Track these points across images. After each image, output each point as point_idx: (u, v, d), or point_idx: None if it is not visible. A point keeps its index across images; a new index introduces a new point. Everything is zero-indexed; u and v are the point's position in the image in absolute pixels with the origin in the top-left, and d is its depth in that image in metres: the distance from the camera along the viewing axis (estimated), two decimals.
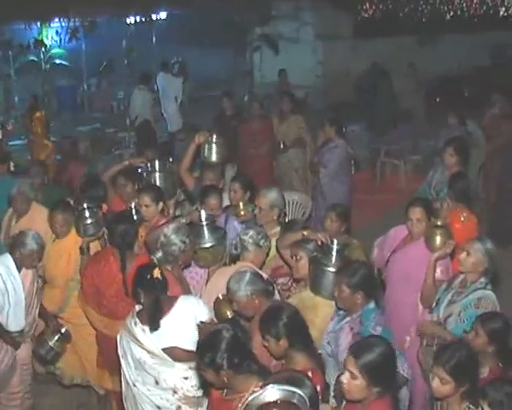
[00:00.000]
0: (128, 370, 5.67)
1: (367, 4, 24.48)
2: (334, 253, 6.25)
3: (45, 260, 7.52)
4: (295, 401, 3.68)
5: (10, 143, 17.74)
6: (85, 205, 7.51)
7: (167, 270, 6.27)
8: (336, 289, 5.76)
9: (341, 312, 5.90)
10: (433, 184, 9.26)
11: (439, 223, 6.75)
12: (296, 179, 12.40)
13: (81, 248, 7.31)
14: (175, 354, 5.55)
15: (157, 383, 5.55)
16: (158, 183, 8.39)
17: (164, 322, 5.57)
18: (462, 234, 7.49)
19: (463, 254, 6.33)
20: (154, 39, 21.78)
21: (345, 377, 4.34)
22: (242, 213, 7.83)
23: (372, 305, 5.72)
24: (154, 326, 5.53)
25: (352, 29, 23.45)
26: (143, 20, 20.60)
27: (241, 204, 7.89)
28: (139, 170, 8.76)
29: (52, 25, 19.67)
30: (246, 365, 4.42)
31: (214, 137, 8.54)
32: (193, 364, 5.27)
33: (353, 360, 4.33)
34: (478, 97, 17.91)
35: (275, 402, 3.65)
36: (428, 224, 6.85)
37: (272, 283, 5.89)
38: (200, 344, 4.63)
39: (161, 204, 7.73)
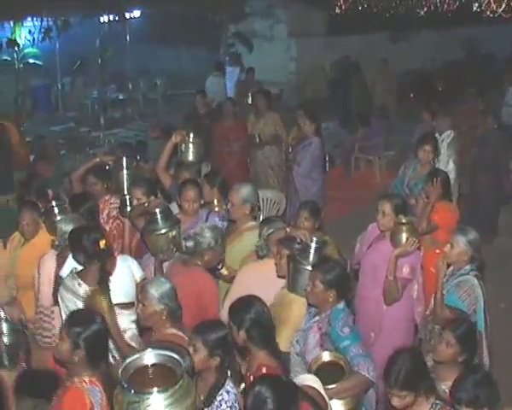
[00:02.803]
0: None
1: (340, 1, 24.53)
2: (312, 251, 6.23)
3: (17, 267, 7.54)
4: (170, 364, 3.79)
5: None
6: (54, 203, 7.59)
7: (197, 264, 6.60)
8: (309, 284, 5.78)
9: (312, 309, 5.92)
10: (406, 180, 9.33)
11: (403, 220, 6.80)
12: (272, 176, 12.41)
13: (53, 245, 7.24)
14: (120, 306, 6.25)
15: None
16: (125, 180, 8.47)
17: (110, 282, 6.22)
18: (446, 227, 7.68)
19: (448, 247, 6.54)
20: (127, 38, 21.71)
21: None
22: (217, 209, 7.92)
23: (341, 305, 5.73)
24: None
25: (325, 26, 23.44)
26: (117, 19, 20.51)
27: (215, 201, 7.99)
28: (107, 168, 8.81)
29: (25, 24, 19.54)
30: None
31: (191, 136, 8.57)
32: (134, 309, 6.15)
33: None
34: (451, 92, 18.03)
35: (150, 365, 3.80)
36: (395, 220, 6.91)
37: (182, 309, 5.82)
38: None
39: (153, 198, 7.83)
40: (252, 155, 12.49)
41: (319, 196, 10.70)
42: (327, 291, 5.66)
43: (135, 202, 7.83)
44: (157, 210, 7.09)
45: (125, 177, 8.54)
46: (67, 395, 4.70)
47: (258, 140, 12.25)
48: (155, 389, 3.55)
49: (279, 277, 6.56)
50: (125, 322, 6.29)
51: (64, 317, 6.06)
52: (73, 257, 6.50)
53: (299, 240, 6.42)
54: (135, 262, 6.68)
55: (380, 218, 7.07)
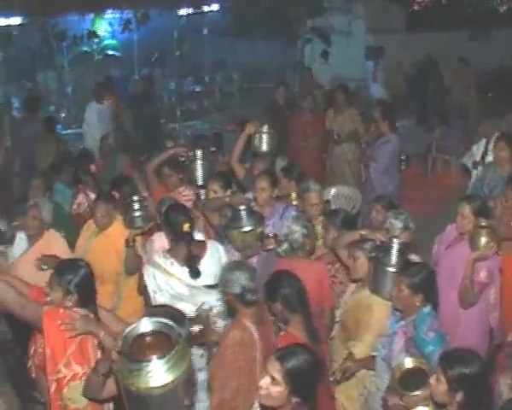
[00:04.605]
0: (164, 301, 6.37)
1: None
2: (394, 252, 6.18)
3: (89, 256, 7.39)
4: (167, 331, 3.91)
5: (64, 132, 18.00)
6: (135, 197, 7.57)
7: (302, 257, 6.78)
8: (395, 288, 5.72)
9: (398, 313, 5.86)
10: (486, 181, 9.19)
11: (483, 224, 6.68)
12: (348, 172, 12.32)
13: (127, 240, 7.32)
14: (208, 287, 6.53)
15: (196, 306, 6.39)
16: (199, 171, 8.55)
17: (201, 265, 6.51)
18: None
19: None
20: (205, 31, 21.82)
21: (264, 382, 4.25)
22: (294, 202, 7.95)
23: (428, 309, 5.66)
24: (196, 275, 6.48)
25: (404, 22, 23.25)
26: (195, 11, 20.66)
27: (293, 194, 8.03)
28: (181, 159, 8.89)
29: (105, 16, 19.83)
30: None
31: (265, 127, 8.64)
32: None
33: (277, 364, 4.22)
34: None
35: (148, 333, 3.92)
36: (474, 223, 6.79)
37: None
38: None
39: (229, 191, 7.90)
40: (329, 151, 12.46)
41: (395, 195, 10.62)
42: (413, 296, 5.60)
43: (211, 194, 7.90)
44: (242, 207, 7.17)
45: (199, 168, 8.63)
46: None
47: (336, 136, 12.20)
48: (154, 356, 3.72)
49: (352, 281, 6.54)
50: (213, 300, 6.46)
51: (153, 295, 6.48)
52: (164, 233, 6.90)
53: (378, 242, 6.32)
54: (222, 248, 6.88)
55: (459, 220, 6.98)
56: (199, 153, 8.69)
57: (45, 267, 6.41)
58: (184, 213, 6.74)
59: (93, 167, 9.67)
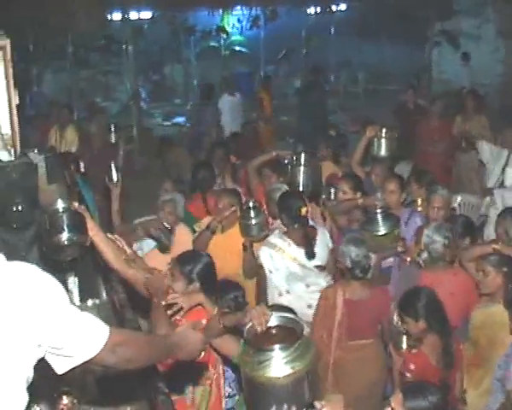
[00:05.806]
0: (279, 282, 6.87)
1: None
2: None
3: (212, 249, 7.36)
4: (292, 325, 4.04)
5: (187, 124, 18.28)
6: (251, 204, 7.26)
7: (443, 265, 6.63)
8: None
9: None
10: None
11: None
12: (476, 180, 12.08)
13: (244, 245, 7.20)
14: (319, 268, 6.97)
15: (307, 286, 6.83)
16: (301, 176, 8.44)
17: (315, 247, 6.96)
18: None
19: None
20: (332, 30, 21.80)
21: None
22: (420, 209, 7.84)
23: None
24: (312, 256, 6.88)
25: None
26: (323, 10, 20.68)
27: (419, 200, 7.93)
28: (285, 162, 8.84)
29: (234, 12, 20.07)
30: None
31: (384, 131, 8.55)
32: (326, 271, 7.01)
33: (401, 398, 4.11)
34: None
35: (274, 327, 4.06)
36: None
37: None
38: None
39: (359, 194, 7.86)
40: (456, 158, 12.24)
41: None
42: None
43: (340, 195, 7.92)
44: (378, 209, 7.10)
45: (301, 174, 8.51)
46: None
47: (464, 143, 11.99)
48: (277, 346, 3.83)
49: (482, 294, 6.33)
50: (322, 282, 6.88)
51: (269, 275, 6.91)
52: (278, 216, 7.24)
53: None
54: (328, 234, 7.31)
55: None
56: (302, 158, 8.58)
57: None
58: (301, 198, 7.03)
59: (233, 158, 9.78)
